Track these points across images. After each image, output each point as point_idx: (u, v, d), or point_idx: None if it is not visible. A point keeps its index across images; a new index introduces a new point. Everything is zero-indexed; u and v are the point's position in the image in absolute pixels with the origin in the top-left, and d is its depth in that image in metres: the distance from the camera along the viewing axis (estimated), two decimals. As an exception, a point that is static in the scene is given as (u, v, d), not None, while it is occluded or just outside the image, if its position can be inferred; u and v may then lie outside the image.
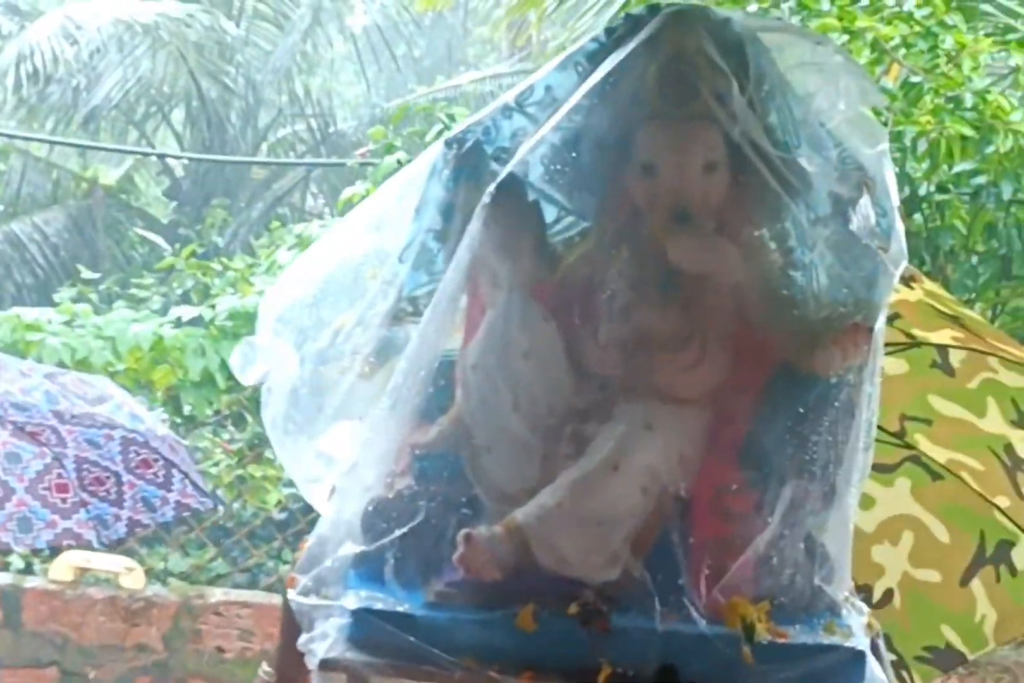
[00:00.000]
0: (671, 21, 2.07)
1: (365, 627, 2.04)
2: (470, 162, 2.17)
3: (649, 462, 2.06)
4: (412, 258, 2.22)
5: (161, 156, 14.48)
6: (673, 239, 2.09)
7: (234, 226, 13.59)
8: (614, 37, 2.10)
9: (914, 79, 5.64)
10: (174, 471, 4.92)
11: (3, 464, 4.90)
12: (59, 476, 4.93)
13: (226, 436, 8.14)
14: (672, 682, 2.02)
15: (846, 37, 5.58)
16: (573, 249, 2.20)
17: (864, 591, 3.41)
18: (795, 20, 5.55)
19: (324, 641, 2.06)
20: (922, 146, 5.64)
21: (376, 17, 15.45)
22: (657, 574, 2.04)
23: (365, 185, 8.17)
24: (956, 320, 3.23)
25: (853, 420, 2.08)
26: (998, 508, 3.35)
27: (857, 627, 2.12)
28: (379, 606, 2.05)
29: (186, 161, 14.46)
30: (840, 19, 5.62)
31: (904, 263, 2.14)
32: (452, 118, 7.95)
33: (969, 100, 5.52)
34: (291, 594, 2.12)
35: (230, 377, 7.62)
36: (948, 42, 5.57)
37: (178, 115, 14.83)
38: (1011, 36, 6.04)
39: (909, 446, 3.39)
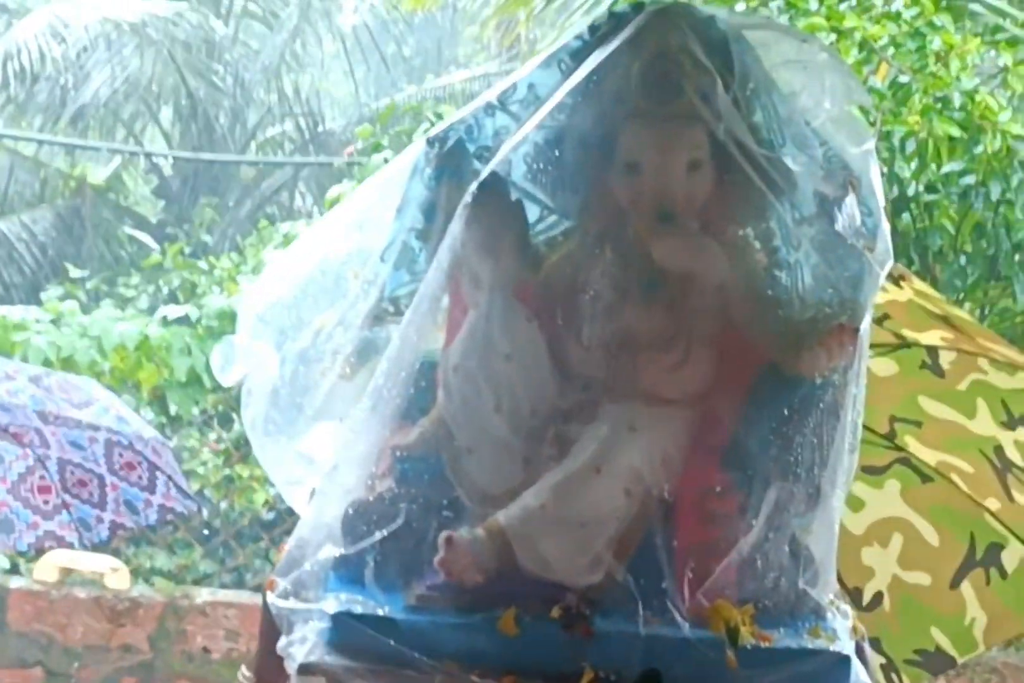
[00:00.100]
0: (655, 19, 2.06)
1: (345, 631, 2.03)
2: (452, 161, 2.15)
3: (632, 464, 2.05)
4: (394, 258, 2.20)
5: (149, 155, 14.45)
6: (657, 239, 2.08)
7: (222, 225, 13.56)
8: (598, 35, 2.09)
9: (903, 79, 5.63)
10: (158, 474, 4.90)
11: (-15, 465, 4.89)
12: (42, 478, 4.91)
13: (213, 436, 8.12)
14: (655, 686, 2.00)
15: (834, 36, 5.56)
16: (556, 249, 2.19)
17: (854, 594, 3.40)
18: (783, 19, 5.53)
19: (303, 645, 2.04)
20: (911, 146, 5.63)
21: (365, 16, 15.42)
22: (640, 577, 2.02)
23: (352, 184, 8.16)
24: (946, 320, 3.21)
25: (838, 421, 2.07)
26: (988, 510, 3.33)
27: (842, 631, 2.10)
28: (359, 609, 2.03)
29: (172, 160, 14.42)
30: (828, 18, 5.60)
31: (890, 263, 2.12)
32: (440, 117, 7.94)
33: (958, 100, 5.51)
34: (270, 597, 2.10)
35: (217, 377, 7.58)
36: (936, 42, 5.55)
37: (166, 114, 14.80)
38: (1000, 36, 6.03)
39: (899, 448, 3.38)
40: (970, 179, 5.68)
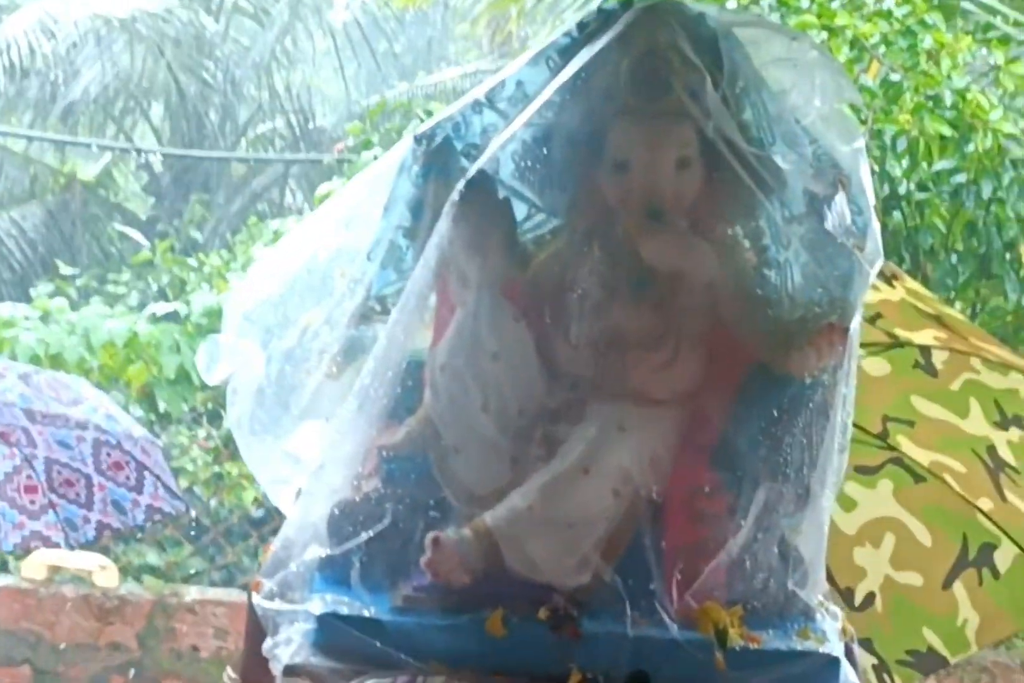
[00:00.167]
0: (644, 16, 2.04)
1: (330, 632, 2.01)
2: (439, 158, 2.13)
3: (621, 464, 2.03)
4: (381, 256, 2.19)
5: (140, 151, 14.42)
6: (646, 237, 2.06)
7: (213, 222, 13.54)
8: (586, 32, 2.07)
9: (894, 77, 5.63)
10: (146, 474, 4.89)
11: (-29, 465, 4.87)
12: (28, 477, 4.89)
13: (202, 433, 8.10)
14: (643, 688, 1.99)
15: (825, 34, 5.56)
16: (544, 247, 2.17)
17: (846, 594, 3.39)
18: (774, 17, 5.53)
19: (289, 646, 2.02)
20: (902, 144, 5.63)
21: (357, 13, 15.40)
22: (628, 578, 2.01)
23: (342, 181, 8.14)
24: (939, 320, 3.20)
25: (828, 422, 2.06)
26: (981, 510, 3.33)
27: (831, 632, 2.09)
28: (345, 611, 2.02)
29: (162, 156, 14.39)
30: (819, 16, 5.60)
31: (880, 262, 2.11)
32: (430, 114, 7.91)
33: (949, 99, 5.51)
34: (256, 598, 2.09)
35: (206, 374, 7.56)
36: (928, 40, 5.55)
37: (157, 110, 14.77)
38: (991, 34, 6.03)
39: (892, 448, 3.37)
40: (961, 177, 5.68)
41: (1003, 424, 3.27)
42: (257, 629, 2.10)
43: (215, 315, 8.22)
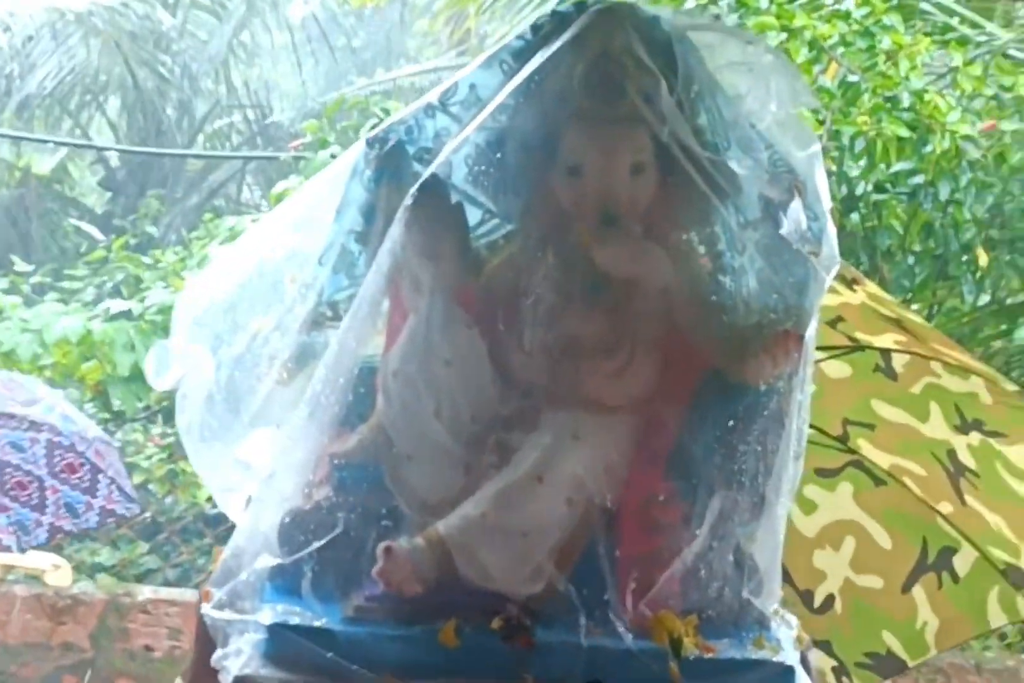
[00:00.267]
0: (598, 19, 2.02)
1: (281, 642, 1.99)
2: (392, 162, 2.11)
3: (575, 472, 2.02)
4: (332, 261, 2.16)
5: (95, 148, 14.31)
6: (600, 243, 2.04)
7: (169, 217, 13.46)
8: (540, 35, 2.05)
9: (852, 78, 5.63)
10: (100, 476, 4.85)
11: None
12: (-21, 481, 4.85)
13: (156, 431, 8.05)
14: (597, 698, 1.97)
15: (784, 35, 5.56)
16: (497, 252, 2.15)
17: (805, 596, 3.39)
18: (733, 18, 5.52)
19: (239, 657, 2.00)
20: (860, 145, 5.63)
21: (315, 8, 15.33)
22: (582, 588, 1.99)
23: (299, 179, 8.10)
24: (899, 324, 3.20)
25: (783, 429, 2.05)
26: (941, 514, 3.33)
27: (787, 641, 2.08)
28: (296, 621, 1.99)
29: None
30: (778, 17, 5.60)
31: (836, 268, 2.10)
32: (387, 112, 7.89)
33: (907, 100, 5.51)
34: (205, 608, 2.06)
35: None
36: (886, 42, 5.56)
37: (113, 104, 14.67)
38: (950, 35, 6.05)
39: (852, 451, 3.37)
40: (919, 179, 5.70)
41: (963, 428, 3.27)
42: (207, 639, 2.07)
43: (170, 313, 8.15)
